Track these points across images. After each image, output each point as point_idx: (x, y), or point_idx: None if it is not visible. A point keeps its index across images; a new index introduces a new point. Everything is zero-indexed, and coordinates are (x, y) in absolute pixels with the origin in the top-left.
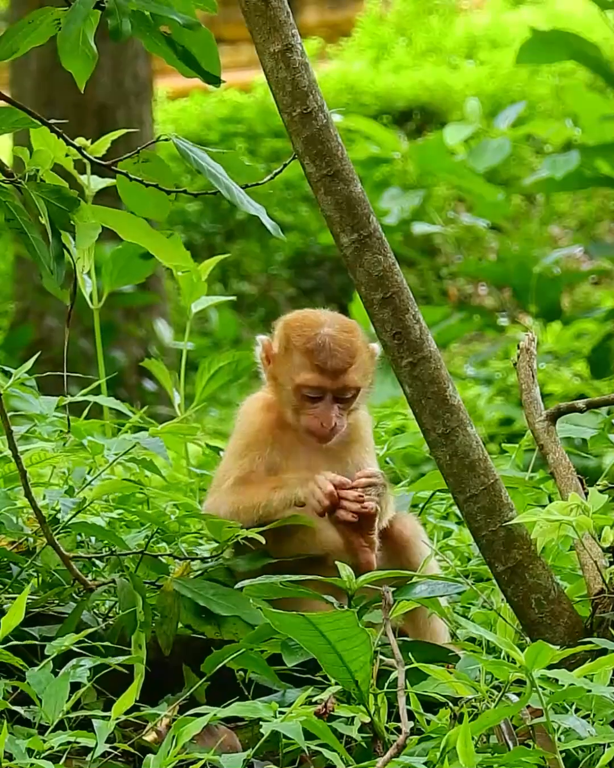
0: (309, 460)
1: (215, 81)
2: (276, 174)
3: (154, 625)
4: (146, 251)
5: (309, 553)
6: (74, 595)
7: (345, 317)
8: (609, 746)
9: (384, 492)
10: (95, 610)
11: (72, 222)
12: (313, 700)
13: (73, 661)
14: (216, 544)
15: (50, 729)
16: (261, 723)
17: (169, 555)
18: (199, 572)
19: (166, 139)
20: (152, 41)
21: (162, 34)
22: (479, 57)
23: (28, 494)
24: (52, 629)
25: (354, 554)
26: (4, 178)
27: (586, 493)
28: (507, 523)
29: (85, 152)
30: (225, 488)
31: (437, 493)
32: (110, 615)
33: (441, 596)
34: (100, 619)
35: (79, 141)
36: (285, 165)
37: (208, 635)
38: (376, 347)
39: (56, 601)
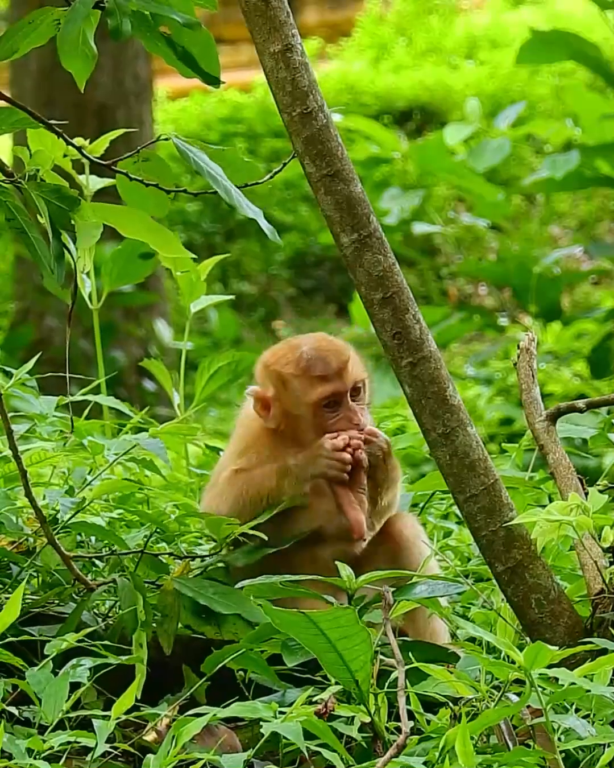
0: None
1: (214, 81)
2: (275, 173)
3: (154, 624)
4: (146, 251)
5: (301, 530)
6: (74, 594)
7: (316, 332)
8: (609, 746)
9: (389, 463)
10: (95, 610)
11: (72, 221)
12: (313, 700)
13: (73, 661)
14: (215, 544)
15: (50, 729)
16: (261, 723)
17: (169, 554)
18: (199, 571)
19: (166, 139)
20: (152, 41)
21: (162, 35)
22: (479, 57)
23: (28, 494)
24: (53, 629)
25: (344, 513)
26: (4, 178)
27: (586, 493)
28: (507, 523)
29: (84, 152)
30: (223, 479)
31: (437, 493)
32: (110, 615)
33: (441, 596)
34: (99, 619)
35: (78, 141)
36: (284, 164)
37: (208, 635)
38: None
39: (56, 601)
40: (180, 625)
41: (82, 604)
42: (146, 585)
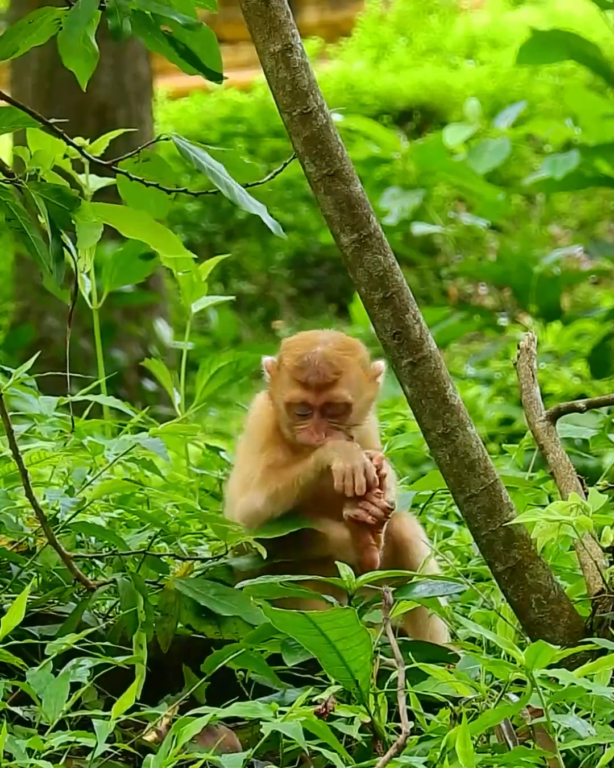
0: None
1: (217, 77)
2: (276, 173)
3: (154, 624)
4: (146, 252)
5: (313, 554)
6: (75, 594)
7: (348, 337)
8: (609, 746)
9: (384, 481)
10: (95, 610)
11: (72, 222)
12: (313, 700)
13: (74, 661)
14: (216, 544)
15: (50, 729)
16: (261, 723)
17: (171, 555)
18: (200, 572)
19: (167, 139)
20: (153, 40)
21: (163, 33)
22: (479, 57)
23: (28, 494)
24: (53, 629)
25: (359, 552)
26: (4, 177)
27: (586, 493)
28: (507, 523)
29: (85, 152)
30: (256, 481)
31: (437, 493)
32: (110, 615)
33: (441, 596)
34: (100, 619)
35: (78, 140)
36: (285, 165)
37: (208, 635)
38: (380, 365)
39: (56, 601)
40: (180, 624)
41: (82, 604)
42: (147, 585)
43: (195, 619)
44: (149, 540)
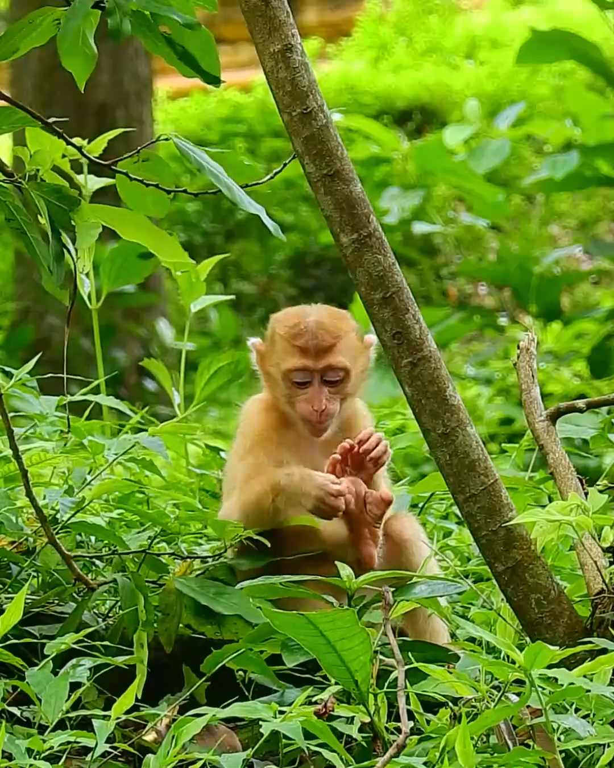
0: (314, 458)
1: (215, 81)
2: (275, 174)
3: (155, 624)
4: (145, 251)
5: (310, 549)
6: (74, 594)
7: (337, 308)
8: (609, 746)
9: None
10: (95, 610)
11: (72, 222)
12: (313, 700)
13: (73, 661)
14: (216, 544)
15: (50, 729)
16: (261, 723)
17: (171, 554)
18: (201, 571)
19: (166, 139)
20: (152, 41)
21: (162, 34)
22: (479, 57)
23: (29, 494)
24: (53, 629)
25: (356, 547)
26: (4, 177)
27: (586, 493)
28: (507, 523)
29: (84, 151)
30: (237, 490)
31: (437, 492)
32: (110, 615)
33: (440, 596)
34: (100, 619)
35: (77, 140)
36: (285, 165)
37: (208, 635)
38: (372, 338)
39: (56, 601)
40: (180, 624)
41: (82, 604)
42: (147, 585)
43: (195, 619)
44: (149, 540)
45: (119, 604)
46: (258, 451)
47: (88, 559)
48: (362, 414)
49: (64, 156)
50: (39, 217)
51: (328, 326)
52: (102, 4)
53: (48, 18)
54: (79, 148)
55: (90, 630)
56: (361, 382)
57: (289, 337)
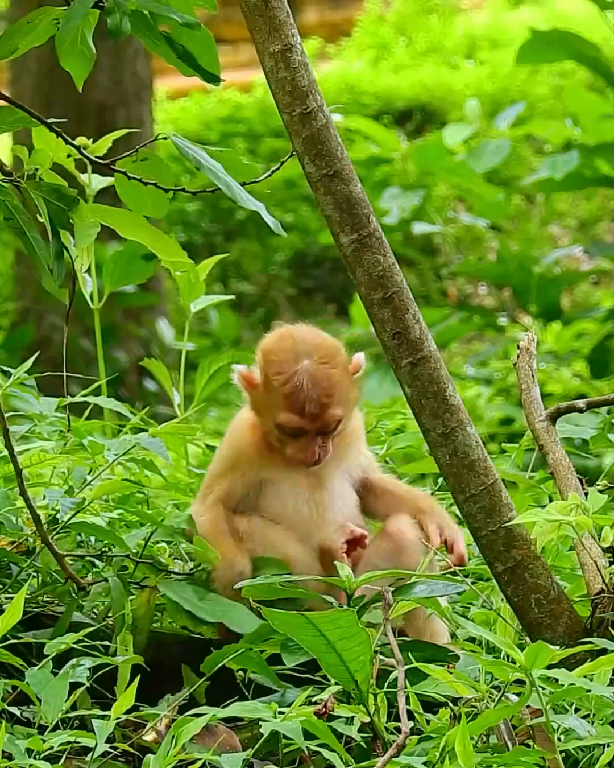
0: (308, 471)
1: (214, 80)
2: (272, 172)
3: (156, 624)
4: (147, 252)
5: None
6: (74, 595)
7: (325, 338)
8: (609, 746)
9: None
10: (95, 610)
11: (71, 221)
12: (313, 700)
13: (73, 661)
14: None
15: (50, 729)
16: (261, 723)
17: (149, 562)
18: (190, 572)
19: (164, 138)
20: (151, 40)
21: (161, 34)
22: (479, 57)
23: (23, 493)
24: (51, 630)
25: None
26: (3, 177)
27: (586, 493)
28: (507, 523)
29: (84, 151)
30: (207, 504)
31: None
32: (110, 615)
33: (440, 596)
34: (100, 619)
35: (80, 140)
36: (281, 163)
37: (205, 635)
38: (359, 360)
39: (55, 602)
40: (177, 625)
41: (72, 604)
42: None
43: (190, 621)
44: (144, 540)
45: (112, 604)
46: (233, 475)
47: (85, 559)
48: (355, 426)
49: (69, 156)
50: (38, 216)
51: (323, 381)
52: (101, 4)
53: (47, 18)
54: (78, 148)
55: (89, 630)
56: (354, 411)
57: (284, 395)
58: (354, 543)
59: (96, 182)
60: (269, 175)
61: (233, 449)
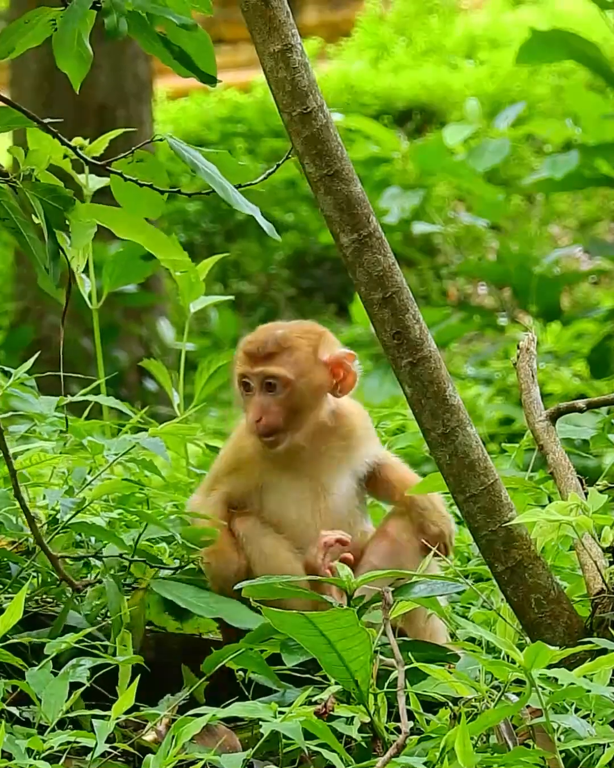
0: (311, 475)
1: (211, 80)
2: (269, 174)
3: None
4: (147, 252)
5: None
6: (69, 596)
7: (315, 325)
8: (609, 746)
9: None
10: (95, 610)
11: (67, 221)
12: (313, 700)
13: (73, 661)
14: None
15: (50, 729)
16: (261, 723)
17: (169, 555)
18: (180, 567)
19: (161, 139)
20: (148, 41)
21: (158, 35)
22: (479, 57)
23: (17, 494)
24: (44, 633)
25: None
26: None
27: (586, 493)
28: (507, 523)
29: (81, 152)
30: (209, 501)
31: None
32: (108, 615)
33: (440, 596)
34: (99, 619)
35: (76, 140)
36: (278, 165)
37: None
38: (343, 353)
39: (54, 601)
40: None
41: (67, 605)
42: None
43: (174, 618)
44: (135, 539)
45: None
46: (232, 478)
47: (79, 559)
48: (359, 419)
49: (65, 156)
50: (34, 216)
51: (277, 337)
52: (98, 5)
53: (44, 18)
54: (75, 148)
55: (88, 630)
56: (316, 398)
57: (241, 345)
58: (334, 546)
59: (93, 182)
60: (265, 178)
61: (236, 451)
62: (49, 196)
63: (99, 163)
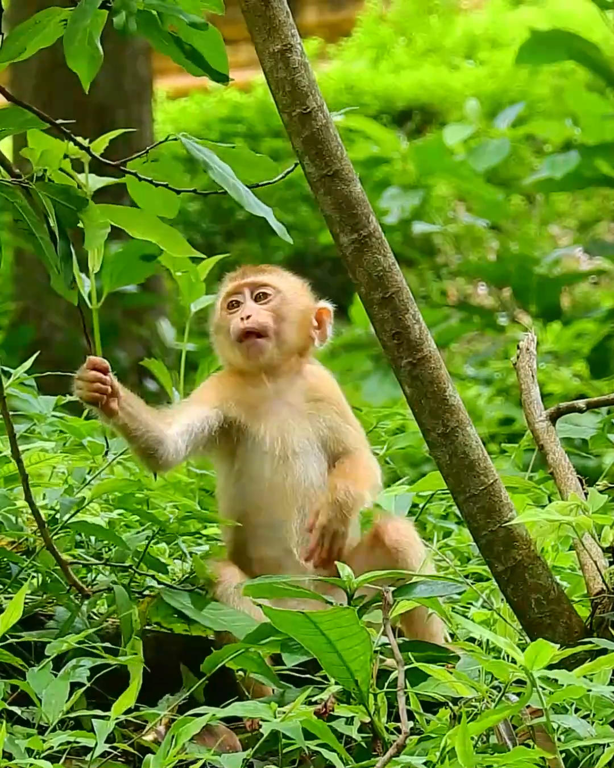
0: (279, 420)
1: (223, 79)
2: (286, 174)
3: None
4: (147, 253)
5: (268, 555)
6: (75, 599)
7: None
8: (609, 746)
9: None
10: (95, 610)
11: (80, 223)
12: (313, 700)
13: (73, 661)
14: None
15: (50, 729)
16: (261, 723)
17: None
18: (186, 577)
19: (175, 139)
20: (159, 40)
21: (169, 33)
22: (479, 57)
23: (28, 498)
24: (51, 633)
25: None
26: (11, 179)
27: (586, 493)
28: (507, 523)
29: (92, 152)
30: (173, 418)
31: (437, 493)
32: (116, 619)
33: (440, 596)
34: (95, 618)
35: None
36: (293, 167)
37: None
38: (324, 305)
39: (53, 600)
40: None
41: (74, 612)
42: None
43: (185, 622)
44: (146, 540)
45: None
46: (199, 402)
47: (83, 565)
48: (326, 377)
49: (66, 156)
50: (47, 217)
51: (263, 266)
52: (108, 4)
53: (54, 18)
54: (87, 149)
55: (89, 631)
56: (302, 320)
57: (227, 279)
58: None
59: (93, 182)
60: (281, 178)
61: (204, 386)
62: (62, 197)
63: (113, 163)
